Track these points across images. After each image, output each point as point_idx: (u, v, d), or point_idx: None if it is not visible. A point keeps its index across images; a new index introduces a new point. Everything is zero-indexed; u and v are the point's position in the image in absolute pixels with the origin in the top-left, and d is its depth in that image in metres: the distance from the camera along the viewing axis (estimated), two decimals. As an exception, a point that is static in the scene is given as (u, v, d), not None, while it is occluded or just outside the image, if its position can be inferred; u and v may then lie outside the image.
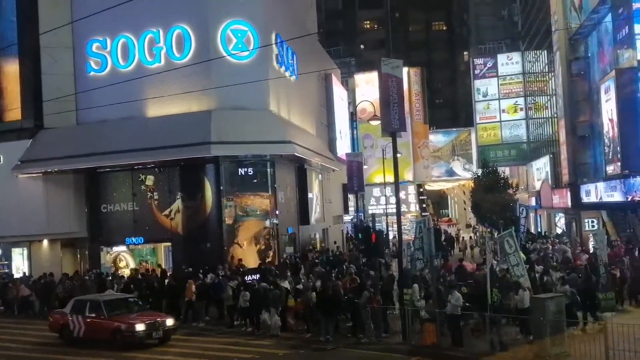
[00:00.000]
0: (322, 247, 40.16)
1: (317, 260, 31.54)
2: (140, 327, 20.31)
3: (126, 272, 31.53)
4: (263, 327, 21.72)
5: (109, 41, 32.77)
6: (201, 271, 26.23)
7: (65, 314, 21.99)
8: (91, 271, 31.08)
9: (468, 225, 68.33)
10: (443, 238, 36.90)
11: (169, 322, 21.19)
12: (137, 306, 22.24)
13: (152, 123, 31.81)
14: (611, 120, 33.66)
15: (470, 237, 52.32)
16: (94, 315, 21.15)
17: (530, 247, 32.01)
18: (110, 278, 28.54)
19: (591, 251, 28.20)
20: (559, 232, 43.90)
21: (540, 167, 53.33)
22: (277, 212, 32.69)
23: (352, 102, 59.40)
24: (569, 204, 39.77)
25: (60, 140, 32.47)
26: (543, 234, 44.66)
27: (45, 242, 33.50)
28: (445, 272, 25.06)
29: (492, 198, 44.59)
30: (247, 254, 31.22)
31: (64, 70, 33.16)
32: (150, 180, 32.60)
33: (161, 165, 32.06)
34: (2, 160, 33.62)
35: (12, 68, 34.28)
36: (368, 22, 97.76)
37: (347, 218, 53.29)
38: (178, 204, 31.94)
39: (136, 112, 31.96)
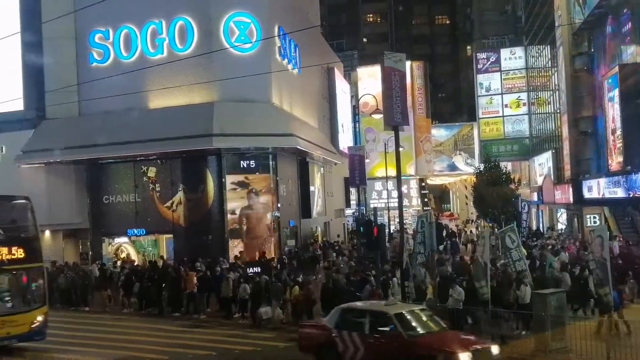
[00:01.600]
0: (325, 240, 40.18)
1: (317, 253, 31.64)
2: (465, 357, 13.99)
3: (118, 263, 31.38)
4: (260, 320, 21.62)
5: (111, 32, 32.69)
6: (180, 265, 25.91)
7: (327, 329, 16.00)
8: (96, 262, 31.00)
9: (469, 221, 68.24)
10: (445, 233, 36.69)
11: (494, 349, 14.95)
12: (435, 322, 15.75)
13: (154, 114, 31.79)
14: (614, 115, 33.60)
15: (471, 232, 52.27)
16: (381, 333, 15.06)
17: (532, 243, 31.97)
18: (112, 269, 28.43)
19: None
20: (562, 229, 43.86)
21: (543, 163, 53.23)
22: (278, 205, 32.68)
23: (354, 95, 59.32)
24: (571, 199, 39.72)
25: (62, 131, 32.44)
26: (547, 229, 44.50)
27: (47, 233, 33.39)
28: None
29: (494, 193, 44.53)
30: (248, 247, 31.21)
31: (66, 60, 33.09)
32: (152, 171, 32.58)
33: (163, 157, 32.04)
34: (4, 151, 33.67)
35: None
36: (371, 15, 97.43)
37: (348, 212, 53.28)
38: (180, 195, 31.92)
39: (138, 104, 31.95)
